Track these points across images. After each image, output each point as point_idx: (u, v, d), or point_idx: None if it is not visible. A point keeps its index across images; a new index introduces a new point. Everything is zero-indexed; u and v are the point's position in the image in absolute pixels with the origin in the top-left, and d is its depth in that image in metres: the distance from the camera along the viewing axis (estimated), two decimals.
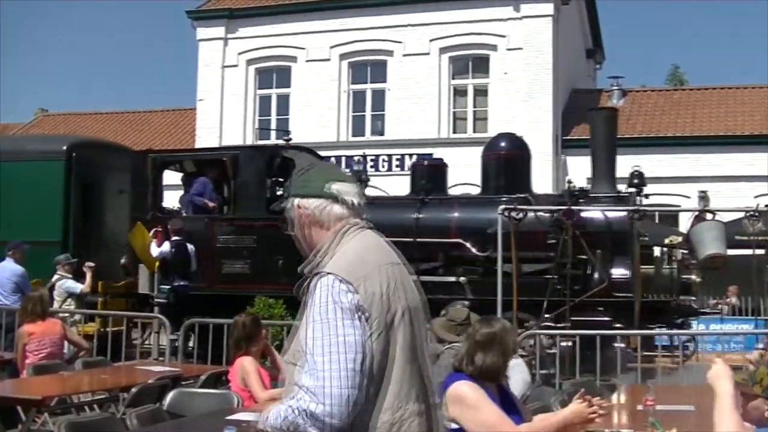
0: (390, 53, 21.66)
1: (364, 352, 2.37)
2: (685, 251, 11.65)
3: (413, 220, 11.06)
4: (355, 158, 16.75)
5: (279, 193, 11.66)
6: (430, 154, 17.91)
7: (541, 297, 10.01)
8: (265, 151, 13.27)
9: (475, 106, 21.50)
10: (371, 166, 19.37)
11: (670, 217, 18.42)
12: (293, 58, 22.38)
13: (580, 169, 17.23)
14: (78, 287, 11.16)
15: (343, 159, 19.35)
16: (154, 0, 69.57)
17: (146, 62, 75.69)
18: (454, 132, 21.34)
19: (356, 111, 22.07)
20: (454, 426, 3.87)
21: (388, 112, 21.69)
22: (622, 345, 8.99)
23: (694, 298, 12.22)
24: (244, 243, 11.80)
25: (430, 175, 11.79)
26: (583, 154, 17.11)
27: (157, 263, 11.64)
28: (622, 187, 11.09)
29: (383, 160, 20.93)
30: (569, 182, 11.14)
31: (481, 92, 21.48)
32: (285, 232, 2.75)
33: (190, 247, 11.66)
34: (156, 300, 11.60)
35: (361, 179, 12.13)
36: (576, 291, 10.09)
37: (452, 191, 12.32)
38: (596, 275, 10.29)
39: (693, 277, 12.15)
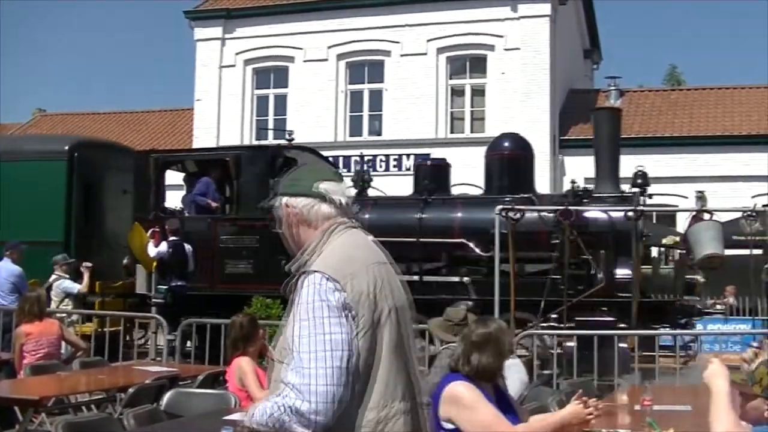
0: (387, 53, 21.65)
1: (350, 350, 2.38)
2: (683, 251, 11.63)
3: (416, 220, 11.03)
4: (354, 158, 16.72)
5: None
6: (428, 155, 17.88)
7: (544, 297, 10.01)
8: (268, 151, 13.23)
9: (472, 106, 21.48)
10: (368, 167, 19.33)
11: (668, 217, 18.41)
12: (290, 59, 22.35)
13: (577, 169, 17.24)
14: (75, 287, 11.17)
15: (341, 159, 19.31)
16: (151, 0, 69.55)
17: (144, 62, 75.77)
18: (452, 132, 21.32)
19: (354, 111, 22.04)
20: (450, 426, 3.88)
21: (386, 112, 21.66)
22: (625, 345, 8.99)
23: (698, 298, 12.19)
24: (247, 243, 11.78)
25: (433, 175, 11.76)
26: (581, 154, 17.09)
27: (155, 263, 11.65)
28: (625, 187, 11.08)
29: (381, 161, 20.89)
30: (573, 182, 11.10)
31: (479, 92, 21.46)
32: (272, 230, 2.76)
33: (188, 247, 11.66)
34: (153, 300, 11.61)
35: (364, 179, 12.12)
36: (580, 291, 10.05)
37: (454, 191, 12.29)
38: (600, 275, 10.27)
39: (697, 277, 12.10)
